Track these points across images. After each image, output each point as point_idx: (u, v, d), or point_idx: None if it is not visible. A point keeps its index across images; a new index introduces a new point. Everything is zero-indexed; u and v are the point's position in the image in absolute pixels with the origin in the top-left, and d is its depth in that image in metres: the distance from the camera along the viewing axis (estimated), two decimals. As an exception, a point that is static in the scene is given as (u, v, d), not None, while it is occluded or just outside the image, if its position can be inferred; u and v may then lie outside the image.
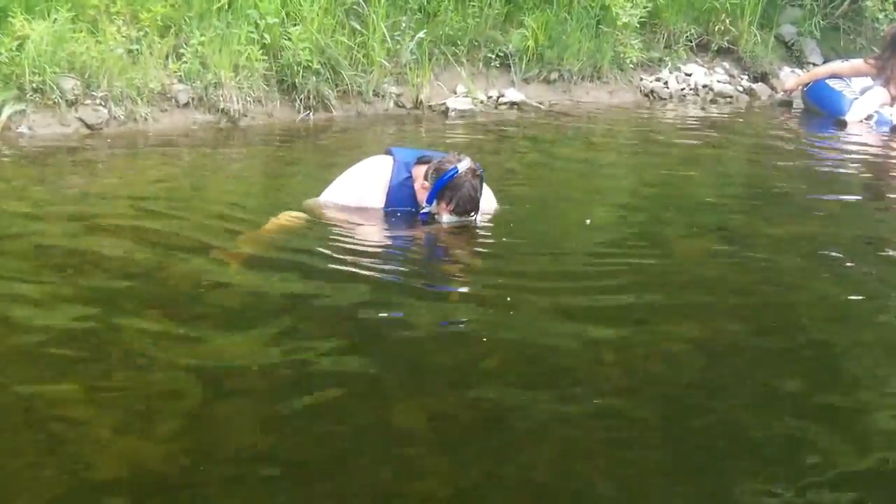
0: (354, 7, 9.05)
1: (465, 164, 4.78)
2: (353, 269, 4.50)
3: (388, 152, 5.21)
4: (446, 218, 4.90)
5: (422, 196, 4.92)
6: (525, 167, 7.47)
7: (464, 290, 4.45)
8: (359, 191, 5.12)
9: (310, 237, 4.88)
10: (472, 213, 4.94)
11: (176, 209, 5.50)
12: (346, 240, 4.87)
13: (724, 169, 7.86)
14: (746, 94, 11.55)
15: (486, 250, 4.93)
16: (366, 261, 4.62)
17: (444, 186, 4.80)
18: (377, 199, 5.10)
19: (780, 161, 8.09)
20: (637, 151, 8.40)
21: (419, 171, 4.96)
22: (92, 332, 3.72)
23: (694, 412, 3.38)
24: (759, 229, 5.69)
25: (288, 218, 5.00)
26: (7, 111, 7.44)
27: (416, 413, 3.27)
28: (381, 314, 4.05)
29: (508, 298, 4.14)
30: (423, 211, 4.94)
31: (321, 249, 4.67)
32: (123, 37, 8.05)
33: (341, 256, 4.61)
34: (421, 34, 9.16)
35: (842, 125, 9.77)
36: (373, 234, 5.03)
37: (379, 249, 4.92)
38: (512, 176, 6.90)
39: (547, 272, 4.63)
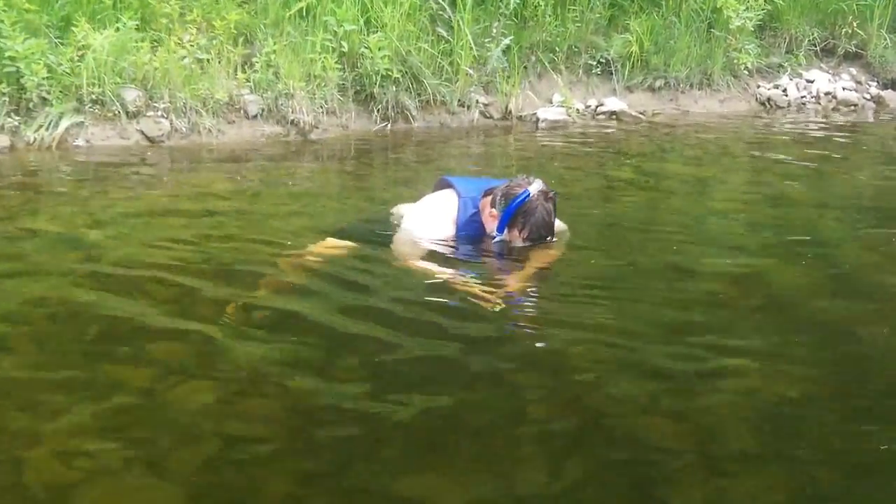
0: (439, 13, 8.10)
1: (536, 187, 4.14)
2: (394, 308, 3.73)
3: (447, 182, 4.55)
4: (519, 243, 4.21)
5: (491, 226, 4.28)
6: (608, 185, 6.42)
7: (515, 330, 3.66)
8: (427, 233, 4.40)
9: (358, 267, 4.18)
10: (548, 238, 4.25)
11: (230, 230, 4.86)
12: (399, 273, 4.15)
13: (849, 191, 6.54)
14: (874, 102, 10.17)
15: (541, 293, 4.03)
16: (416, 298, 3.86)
17: (515, 213, 4.15)
18: (446, 231, 4.41)
19: None
20: (745, 168, 7.26)
21: (486, 202, 4.32)
22: (111, 355, 3.31)
23: None
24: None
25: (328, 247, 4.37)
26: (65, 123, 6.79)
27: None
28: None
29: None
30: (495, 240, 4.25)
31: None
32: (192, 45, 7.30)
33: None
34: (507, 40, 8.15)
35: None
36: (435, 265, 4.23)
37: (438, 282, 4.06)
38: (590, 196, 5.92)
39: (621, 328, 3.64)
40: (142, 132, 6.98)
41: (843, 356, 3.49)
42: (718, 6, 9.32)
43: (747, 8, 9.42)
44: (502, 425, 2.93)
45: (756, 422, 2.97)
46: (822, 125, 9.15)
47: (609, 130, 8.41)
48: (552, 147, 7.60)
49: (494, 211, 4.22)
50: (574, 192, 5.82)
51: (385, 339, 3.42)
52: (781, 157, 7.48)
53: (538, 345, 3.48)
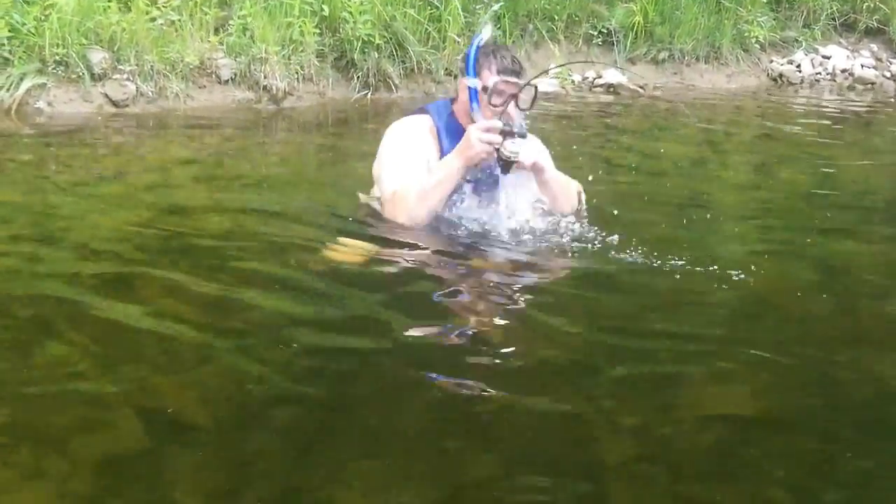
0: (429, -24, 7.60)
1: (487, 30, 3.76)
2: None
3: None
4: (494, 80, 3.63)
5: (464, 94, 3.71)
6: (590, 163, 5.82)
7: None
8: (409, 153, 3.81)
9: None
10: (521, 72, 3.74)
11: (183, 209, 4.34)
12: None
13: (858, 178, 5.95)
14: (894, 80, 9.49)
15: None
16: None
17: (477, 55, 3.70)
18: (432, 151, 3.83)
19: None
20: (740, 149, 6.71)
21: (458, 87, 3.85)
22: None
23: None
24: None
25: (345, 249, 3.74)
26: (26, 84, 6.39)
27: None
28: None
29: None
30: (471, 86, 3.66)
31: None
32: (165, 6, 6.87)
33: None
34: (497, 6, 7.62)
35: None
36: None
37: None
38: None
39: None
40: (106, 95, 6.58)
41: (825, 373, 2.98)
42: (729, -25, 8.73)
43: (762, -22, 8.82)
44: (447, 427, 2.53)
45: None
46: (836, 103, 8.55)
47: (605, 103, 7.87)
48: (538, 120, 7.07)
49: (462, 78, 3.73)
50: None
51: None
52: (785, 139, 6.92)
53: (506, 351, 3.01)
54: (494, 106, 3.64)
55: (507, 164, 3.60)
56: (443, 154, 3.77)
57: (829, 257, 4.08)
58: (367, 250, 3.66)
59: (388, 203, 3.77)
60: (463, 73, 3.73)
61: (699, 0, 8.72)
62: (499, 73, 3.66)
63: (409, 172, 3.74)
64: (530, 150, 3.71)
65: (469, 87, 3.66)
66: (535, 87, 3.72)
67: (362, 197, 4.16)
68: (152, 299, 3.16)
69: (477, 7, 7.76)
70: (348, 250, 3.66)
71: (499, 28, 7.88)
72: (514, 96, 3.65)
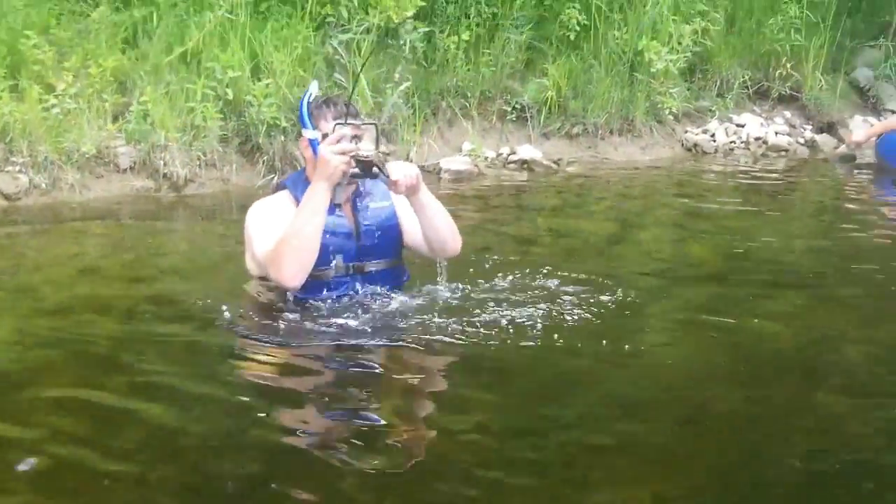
0: (336, 57, 7.46)
1: (314, 86, 3.86)
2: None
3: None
4: (331, 128, 3.63)
5: (308, 151, 3.80)
6: (486, 247, 5.65)
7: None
8: (276, 223, 3.76)
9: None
10: (357, 115, 3.84)
11: (69, 310, 4.23)
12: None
13: (771, 250, 5.82)
14: (807, 146, 9.55)
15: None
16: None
17: (309, 106, 3.78)
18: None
19: (844, 231, 6.34)
20: (653, 224, 6.65)
21: (301, 147, 3.91)
22: None
23: None
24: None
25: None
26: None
27: None
28: None
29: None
30: (311, 138, 3.73)
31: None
32: (63, 94, 6.63)
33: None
34: (405, 85, 7.49)
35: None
36: None
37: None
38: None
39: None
40: (-3, 188, 6.32)
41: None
42: (640, 49, 8.68)
43: (671, 50, 8.78)
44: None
45: None
46: (751, 172, 8.52)
47: (516, 181, 7.77)
48: (444, 201, 6.91)
49: (303, 138, 3.79)
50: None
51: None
52: (699, 212, 6.86)
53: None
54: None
55: (367, 166, 3.59)
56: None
57: (737, 337, 3.99)
58: (269, 352, 3.63)
59: (271, 261, 3.68)
60: (301, 132, 3.79)
61: (611, 73, 8.66)
62: (335, 118, 3.69)
63: (270, 234, 3.73)
64: (400, 166, 3.73)
65: (310, 140, 3.73)
66: (376, 126, 3.77)
67: (247, 287, 4.07)
68: (34, 417, 3.01)
69: (386, 86, 7.62)
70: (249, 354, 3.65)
71: (410, 106, 7.75)
72: (357, 137, 3.66)
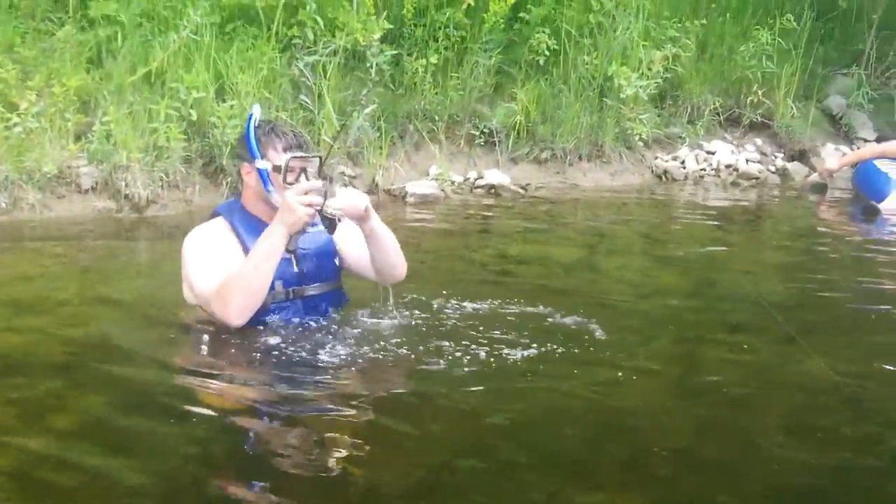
0: (302, 79, 7.44)
1: (257, 109, 3.77)
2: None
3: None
4: (282, 159, 3.61)
5: (251, 178, 3.71)
6: (462, 268, 5.70)
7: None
8: (216, 253, 3.71)
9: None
10: (305, 145, 3.77)
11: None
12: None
13: (740, 275, 5.83)
14: (779, 174, 9.58)
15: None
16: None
17: (256, 134, 3.67)
18: (235, 249, 3.72)
19: (816, 263, 6.28)
20: (619, 252, 6.56)
21: (244, 174, 3.77)
22: None
23: None
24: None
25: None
26: None
27: None
28: None
29: None
30: (261, 168, 3.63)
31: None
32: (25, 113, 6.60)
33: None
34: (369, 108, 7.48)
35: (873, 213, 7.74)
36: None
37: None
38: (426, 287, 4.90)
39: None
40: (-45, 208, 6.28)
41: None
42: (610, 74, 8.70)
43: (641, 76, 8.80)
44: None
45: None
46: (719, 200, 8.54)
47: (483, 206, 7.74)
48: (410, 225, 6.91)
49: (246, 164, 3.70)
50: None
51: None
52: (665, 240, 6.84)
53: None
54: (289, 184, 3.58)
55: (332, 224, 3.56)
56: (245, 249, 3.67)
57: (697, 372, 3.92)
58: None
59: (216, 298, 3.59)
60: (245, 159, 3.70)
61: (581, 99, 8.67)
62: (285, 150, 3.67)
63: (224, 268, 3.62)
64: (349, 196, 3.66)
65: (259, 170, 3.64)
66: (321, 158, 3.70)
67: (184, 315, 3.99)
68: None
69: (352, 109, 7.61)
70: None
71: (376, 129, 7.74)
72: (304, 170, 3.62)
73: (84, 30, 7.41)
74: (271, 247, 3.51)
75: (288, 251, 3.64)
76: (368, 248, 3.83)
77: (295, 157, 3.60)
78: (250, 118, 3.71)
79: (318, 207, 3.49)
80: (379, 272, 3.91)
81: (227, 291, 3.55)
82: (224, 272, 3.61)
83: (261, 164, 3.63)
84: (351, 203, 3.61)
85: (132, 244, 6.26)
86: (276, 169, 3.60)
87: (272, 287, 3.68)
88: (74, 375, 3.64)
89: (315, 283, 3.86)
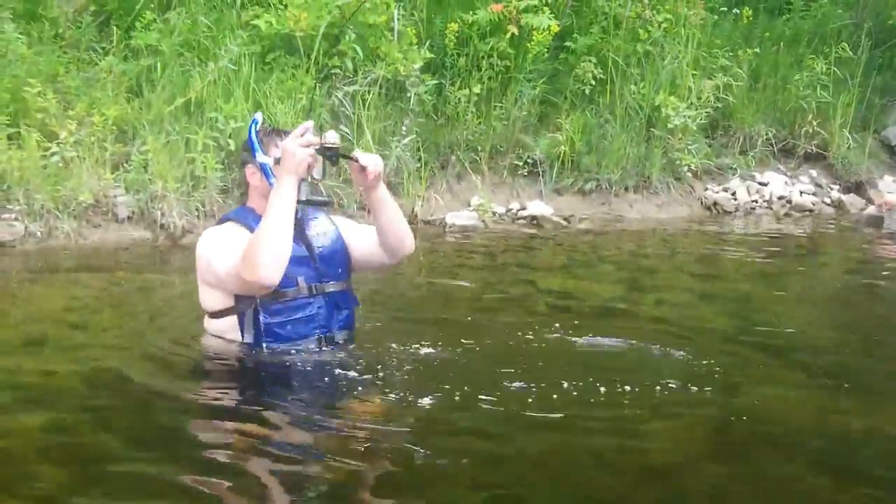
0: (341, 109, 7.41)
1: (259, 115, 3.88)
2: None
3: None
4: (305, 132, 3.58)
5: (255, 178, 3.79)
6: (501, 304, 5.53)
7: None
8: (234, 238, 3.71)
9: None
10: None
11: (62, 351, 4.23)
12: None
13: (787, 314, 5.57)
14: (833, 206, 9.33)
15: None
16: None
17: (258, 136, 3.77)
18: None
19: (870, 304, 5.99)
20: (663, 289, 6.33)
21: (248, 176, 3.86)
22: None
23: None
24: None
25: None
26: None
27: None
28: None
29: None
30: (263, 163, 3.71)
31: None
32: (64, 142, 6.65)
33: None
34: (408, 139, 7.42)
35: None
36: None
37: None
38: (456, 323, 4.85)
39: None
40: (-8, 236, 6.32)
41: None
42: (657, 104, 8.55)
43: (689, 106, 8.64)
44: None
45: None
46: (772, 233, 8.30)
47: (526, 236, 7.61)
48: (445, 256, 6.81)
49: (249, 165, 3.79)
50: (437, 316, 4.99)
51: None
52: (714, 276, 6.63)
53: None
54: None
55: (332, 154, 3.60)
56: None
57: (737, 415, 3.68)
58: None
59: (245, 265, 3.56)
60: (247, 160, 3.78)
61: (627, 129, 8.53)
62: None
63: (243, 245, 3.61)
64: (368, 155, 3.72)
65: (262, 164, 3.71)
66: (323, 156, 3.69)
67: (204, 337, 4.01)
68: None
69: (392, 139, 7.56)
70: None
71: (416, 159, 7.68)
72: (310, 166, 3.61)
73: (126, 59, 7.46)
74: (284, 196, 3.53)
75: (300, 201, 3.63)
76: (376, 220, 3.83)
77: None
78: (253, 122, 3.79)
79: (316, 145, 3.54)
80: (388, 247, 3.89)
81: (252, 252, 3.54)
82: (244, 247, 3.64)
83: (262, 158, 3.70)
84: (372, 161, 3.66)
85: (165, 277, 6.22)
86: (278, 162, 3.63)
87: (295, 283, 3.71)
88: (96, 411, 3.58)
89: (333, 281, 3.85)
